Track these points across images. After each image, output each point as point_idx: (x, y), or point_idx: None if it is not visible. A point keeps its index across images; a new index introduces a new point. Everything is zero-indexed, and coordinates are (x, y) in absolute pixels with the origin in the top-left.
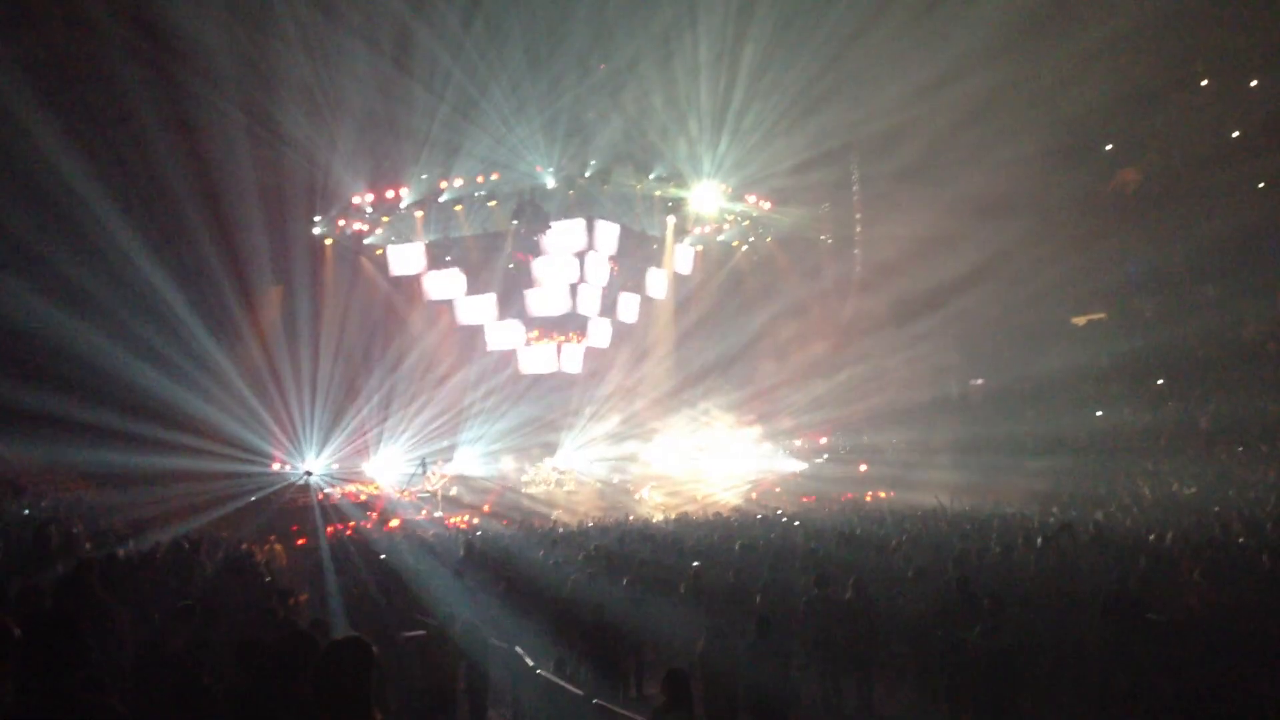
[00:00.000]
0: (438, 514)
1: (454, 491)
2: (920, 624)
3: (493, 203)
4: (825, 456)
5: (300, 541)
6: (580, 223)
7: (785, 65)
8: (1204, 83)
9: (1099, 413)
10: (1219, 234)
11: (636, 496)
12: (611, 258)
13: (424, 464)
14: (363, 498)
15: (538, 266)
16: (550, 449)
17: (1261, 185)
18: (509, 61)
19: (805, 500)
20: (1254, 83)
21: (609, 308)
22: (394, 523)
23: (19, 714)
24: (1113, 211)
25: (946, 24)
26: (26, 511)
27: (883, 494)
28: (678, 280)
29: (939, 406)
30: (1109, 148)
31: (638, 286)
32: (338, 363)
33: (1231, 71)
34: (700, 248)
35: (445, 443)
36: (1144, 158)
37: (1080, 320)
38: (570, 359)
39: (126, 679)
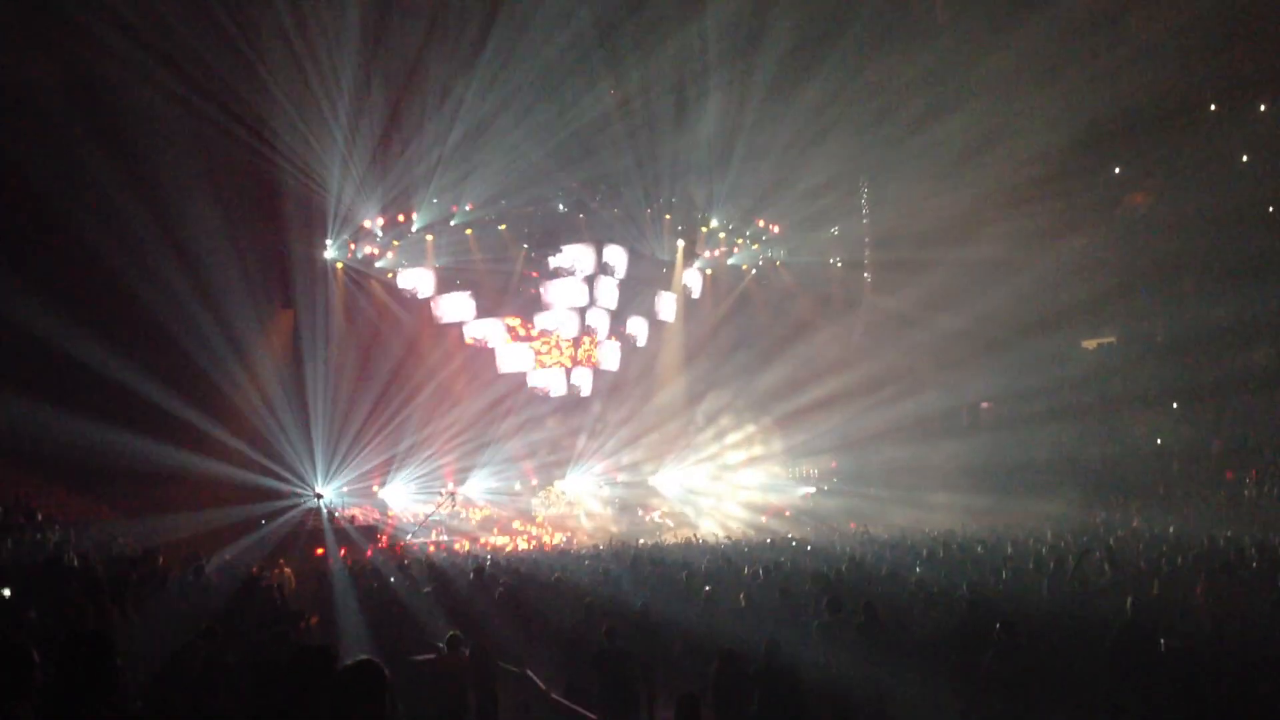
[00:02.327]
0: (446, 539)
1: (465, 515)
2: (932, 648)
3: (503, 226)
4: (835, 480)
5: (316, 557)
6: (590, 247)
7: (795, 91)
8: (1212, 107)
9: (1110, 436)
10: (1228, 257)
11: (647, 520)
12: (621, 281)
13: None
14: (372, 521)
15: (548, 290)
16: (561, 471)
17: (1271, 209)
18: (520, 87)
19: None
20: (1262, 107)
21: (618, 331)
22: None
23: None
24: (1122, 234)
25: (955, 50)
26: (39, 536)
27: (898, 521)
28: (687, 304)
29: (948, 430)
30: (1117, 171)
31: (647, 310)
32: (348, 386)
33: (1239, 96)
34: (710, 271)
35: (457, 466)
36: (1152, 181)
37: (1090, 343)
38: (580, 381)
39: (144, 700)
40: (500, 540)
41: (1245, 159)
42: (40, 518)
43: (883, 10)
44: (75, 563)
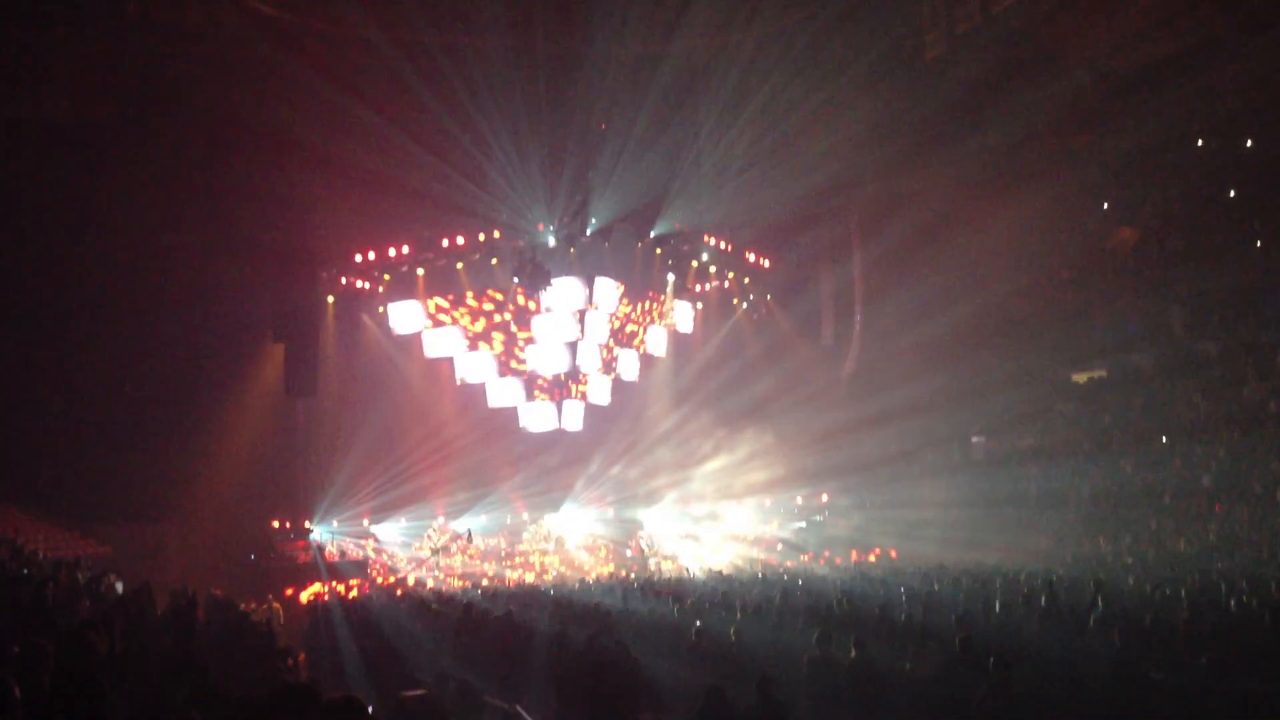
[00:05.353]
0: (437, 574)
1: (454, 550)
2: (924, 684)
3: (494, 261)
4: (827, 514)
5: (300, 600)
6: (580, 280)
7: (786, 124)
8: (1199, 143)
9: (1101, 470)
10: (1217, 292)
11: (638, 554)
12: (611, 314)
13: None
14: (361, 556)
15: (538, 324)
16: (552, 506)
17: (1259, 244)
18: (511, 121)
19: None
20: (1249, 143)
21: (609, 365)
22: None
23: None
24: (1111, 270)
25: (942, 87)
26: (26, 571)
27: (892, 552)
28: (678, 338)
29: (940, 464)
30: (1106, 207)
31: (638, 344)
32: (339, 420)
33: (1226, 132)
34: (700, 306)
35: (448, 501)
36: (1141, 217)
37: (1081, 377)
38: (571, 417)
39: None
40: (491, 575)
41: (1232, 194)
42: (28, 554)
43: (871, 48)
44: (60, 598)
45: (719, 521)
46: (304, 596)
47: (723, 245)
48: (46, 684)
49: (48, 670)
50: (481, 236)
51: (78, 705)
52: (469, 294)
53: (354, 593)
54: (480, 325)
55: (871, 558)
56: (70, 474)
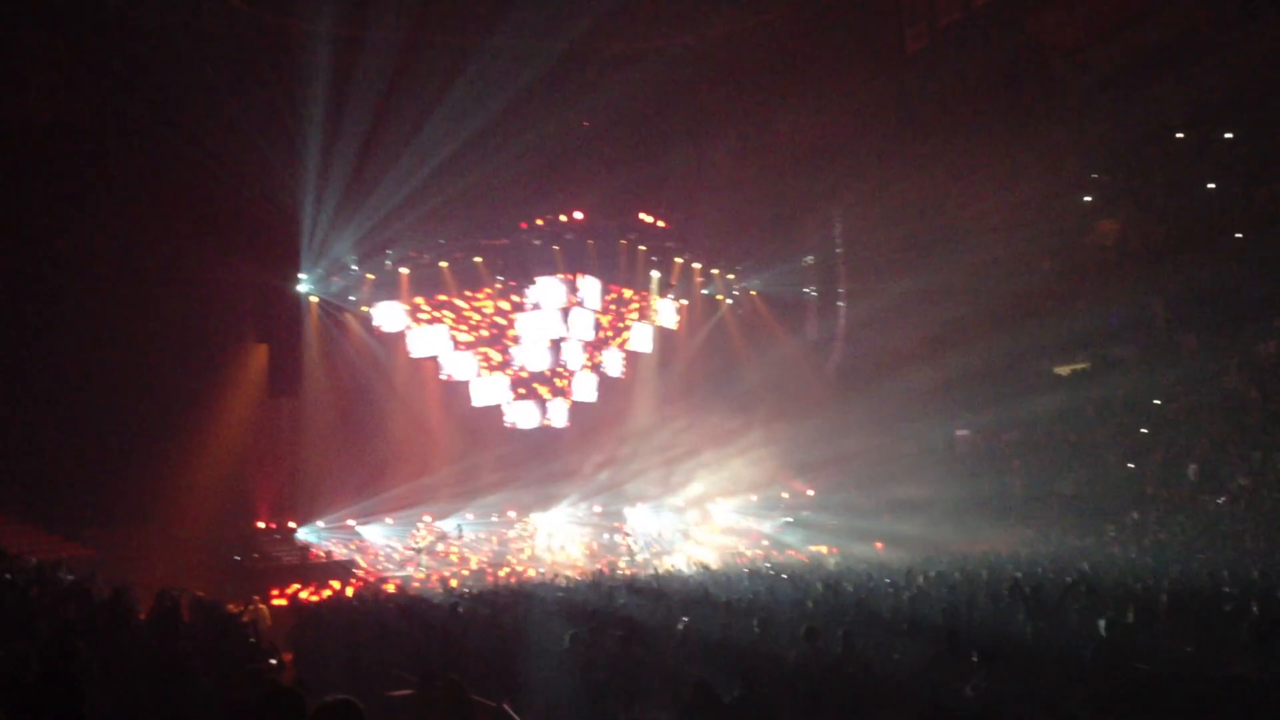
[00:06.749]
0: (423, 573)
1: (440, 548)
2: (911, 677)
3: (478, 259)
4: (812, 509)
5: (285, 601)
6: (564, 279)
7: (768, 120)
8: (1179, 135)
9: (1084, 461)
10: (1197, 283)
11: (624, 551)
12: (596, 312)
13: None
14: (347, 556)
15: (522, 322)
16: (537, 504)
17: (1238, 235)
18: (493, 119)
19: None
20: (1228, 135)
21: (594, 363)
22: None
23: None
24: (1092, 262)
25: (923, 81)
26: (9, 575)
27: (878, 545)
28: (662, 334)
29: (925, 457)
30: (1087, 199)
31: (622, 341)
32: (323, 421)
33: (1205, 124)
34: (685, 302)
35: (433, 501)
36: (1122, 209)
37: (1063, 370)
38: (555, 414)
39: None
40: (477, 573)
41: (1211, 186)
42: (11, 558)
43: (850, 40)
44: (44, 602)
45: (705, 517)
46: (289, 597)
47: (706, 242)
48: (29, 688)
49: (30, 675)
50: (465, 235)
51: (58, 709)
52: (453, 293)
53: (339, 593)
54: (464, 324)
55: (859, 559)
56: (54, 477)
